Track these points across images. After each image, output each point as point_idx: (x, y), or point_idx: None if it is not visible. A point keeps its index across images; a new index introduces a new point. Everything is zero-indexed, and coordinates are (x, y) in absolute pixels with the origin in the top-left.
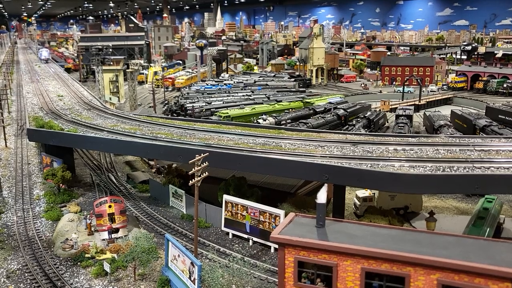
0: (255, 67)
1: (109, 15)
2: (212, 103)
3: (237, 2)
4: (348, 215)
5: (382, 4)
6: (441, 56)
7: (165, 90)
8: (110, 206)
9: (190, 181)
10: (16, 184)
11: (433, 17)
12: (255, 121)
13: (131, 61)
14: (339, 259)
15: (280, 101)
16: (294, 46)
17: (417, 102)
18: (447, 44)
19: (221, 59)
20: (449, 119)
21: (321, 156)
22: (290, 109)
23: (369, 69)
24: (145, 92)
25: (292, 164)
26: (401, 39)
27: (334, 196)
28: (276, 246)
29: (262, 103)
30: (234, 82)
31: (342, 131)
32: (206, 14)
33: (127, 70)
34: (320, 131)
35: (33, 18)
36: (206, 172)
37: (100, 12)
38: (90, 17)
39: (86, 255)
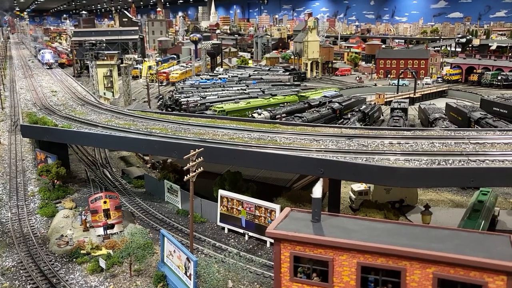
0: (250, 61)
1: (103, 10)
2: (207, 98)
3: None
4: (343, 209)
5: None
6: (436, 48)
7: (160, 84)
8: (105, 202)
9: (185, 176)
10: (10, 181)
11: (428, 9)
12: (250, 115)
13: (125, 56)
14: (335, 253)
15: (275, 95)
16: (289, 40)
17: (412, 95)
18: (442, 37)
19: (215, 53)
20: (444, 112)
21: (316, 150)
22: (285, 103)
23: (364, 62)
24: (139, 87)
25: (287, 159)
26: (396, 31)
27: (330, 190)
28: (272, 241)
29: (257, 97)
30: (228, 76)
31: (337, 125)
32: (200, 8)
33: (121, 65)
34: (315, 125)
35: (25, 12)
36: (201, 167)
37: (93, 6)
38: (84, 12)
39: (82, 252)
